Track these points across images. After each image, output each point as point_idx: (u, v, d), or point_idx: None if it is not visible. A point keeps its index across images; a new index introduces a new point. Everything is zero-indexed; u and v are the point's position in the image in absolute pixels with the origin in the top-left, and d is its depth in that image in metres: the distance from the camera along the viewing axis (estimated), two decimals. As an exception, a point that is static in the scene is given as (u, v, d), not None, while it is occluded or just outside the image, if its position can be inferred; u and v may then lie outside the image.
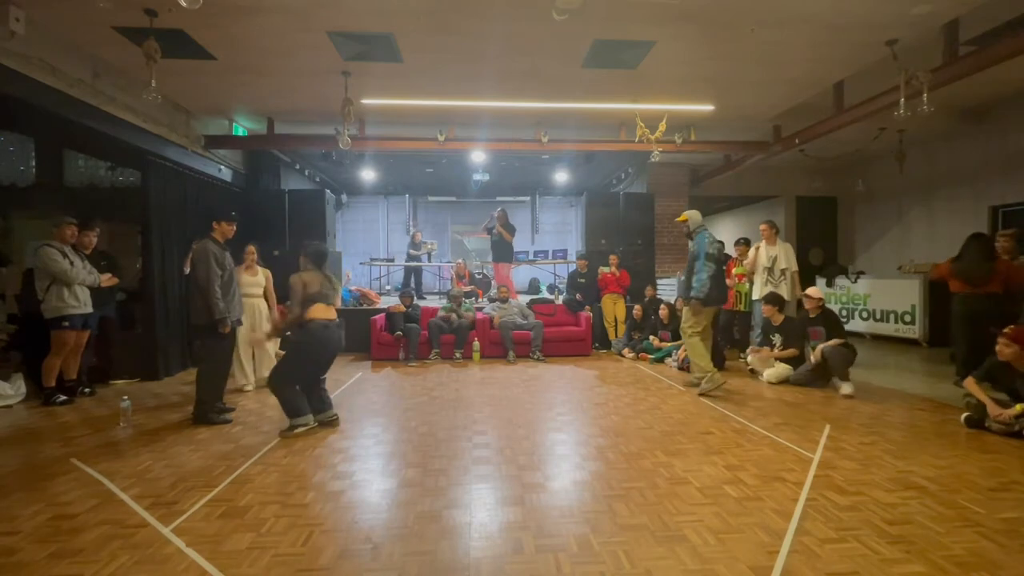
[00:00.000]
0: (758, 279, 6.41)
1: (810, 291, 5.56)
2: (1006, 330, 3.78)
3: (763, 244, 6.47)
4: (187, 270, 6.25)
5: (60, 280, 4.74)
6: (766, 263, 6.33)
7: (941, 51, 4.72)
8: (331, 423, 4.08)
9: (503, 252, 9.05)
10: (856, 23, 4.48)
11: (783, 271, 6.27)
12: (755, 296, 6.40)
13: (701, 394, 4.96)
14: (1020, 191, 7.11)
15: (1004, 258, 5.07)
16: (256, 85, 5.89)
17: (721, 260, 5.23)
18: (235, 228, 4.54)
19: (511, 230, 8.98)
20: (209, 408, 4.25)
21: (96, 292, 5.11)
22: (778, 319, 5.79)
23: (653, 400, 4.86)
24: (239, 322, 4.59)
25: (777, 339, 5.74)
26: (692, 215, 5.32)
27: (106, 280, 5.22)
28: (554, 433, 3.93)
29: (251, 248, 5.56)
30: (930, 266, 7.82)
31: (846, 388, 4.93)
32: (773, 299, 5.86)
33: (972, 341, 4.91)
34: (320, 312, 3.89)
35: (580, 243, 10.07)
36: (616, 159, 9.86)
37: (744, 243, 6.77)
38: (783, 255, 6.32)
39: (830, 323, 5.35)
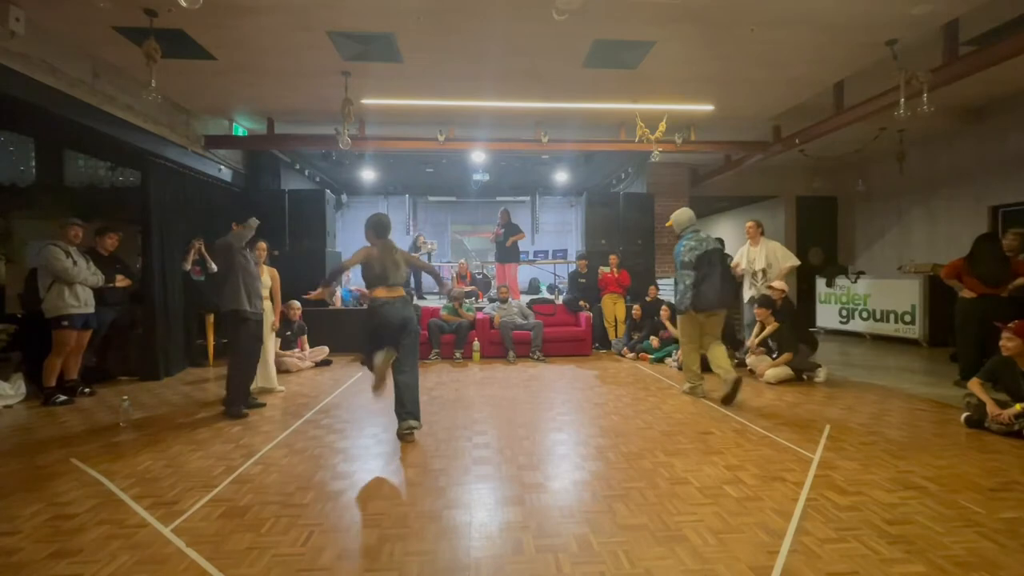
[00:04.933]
0: (746, 280, 6.27)
1: (775, 284, 5.79)
2: (1011, 324, 3.80)
3: (748, 244, 6.34)
4: (186, 267, 6.29)
5: (61, 279, 4.76)
6: (745, 264, 6.20)
7: (941, 51, 4.72)
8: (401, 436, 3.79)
9: (504, 253, 9.01)
10: (856, 23, 4.48)
11: (763, 271, 6.06)
12: (744, 298, 6.31)
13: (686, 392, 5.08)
14: (1020, 191, 7.11)
15: (1010, 255, 5.06)
16: (256, 85, 5.89)
17: (703, 263, 4.73)
18: None
19: (512, 231, 8.87)
20: (239, 402, 4.36)
21: (110, 292, 5.27)
22: (771, 323, 5.70)
23: (653, 400, 4.86)
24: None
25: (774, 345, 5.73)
26: (677, 217, 5.01)
27: (120, 281, 5.39)
28: (554, 433, 3.93)
29: (262, 245, 5.27)
30: (930, 266, 7.83)
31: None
32: (765, 302, 5.75)
33: (979, 342, 4.90)
34: (381, 292, 3.85)
35: (580, 243, 10.08)
36: (616, 159, 9.86)
37: None
38: (762, 256, 6.10)
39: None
